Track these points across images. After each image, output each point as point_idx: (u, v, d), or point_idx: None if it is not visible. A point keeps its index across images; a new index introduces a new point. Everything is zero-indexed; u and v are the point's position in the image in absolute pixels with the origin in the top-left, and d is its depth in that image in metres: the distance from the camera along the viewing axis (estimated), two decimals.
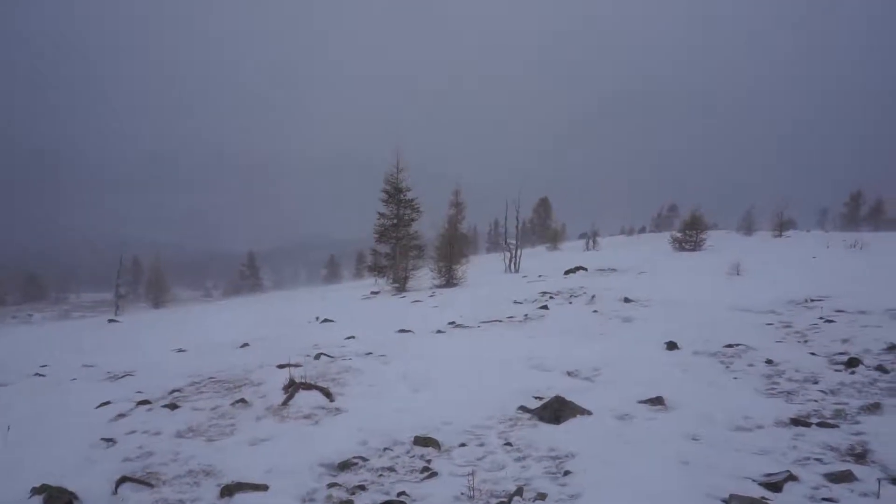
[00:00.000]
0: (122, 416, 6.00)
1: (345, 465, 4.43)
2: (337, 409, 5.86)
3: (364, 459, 4.55)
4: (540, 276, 20.20)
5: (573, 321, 10.23)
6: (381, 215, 23.37)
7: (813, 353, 7.12)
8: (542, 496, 3.71)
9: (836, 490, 3.62)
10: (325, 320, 13.19)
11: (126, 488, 4.10)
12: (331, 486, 4.09)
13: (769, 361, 6.86)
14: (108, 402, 6.44)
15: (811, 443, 4.44)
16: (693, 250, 27.47)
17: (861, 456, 4.14)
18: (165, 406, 6.15)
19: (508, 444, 4.72)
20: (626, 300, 11.93)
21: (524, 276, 20.96)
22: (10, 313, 52.30)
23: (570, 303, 12.56)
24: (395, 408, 5.81)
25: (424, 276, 22.00)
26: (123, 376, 8.04)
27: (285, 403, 6.00)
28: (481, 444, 4.75)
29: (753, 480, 3.77)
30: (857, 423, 4.82)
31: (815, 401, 5.50)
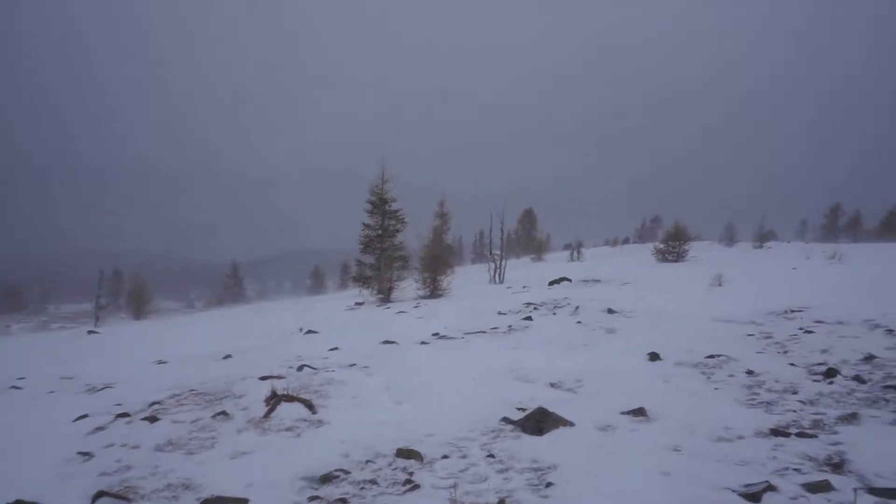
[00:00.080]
0: (100, 429, 5.90)
1: (326, 479, 4.40)
2: (319, 422, 5.83)
3: (346, 472, 4.52)
4: (524, 286, 20.27)
5: (557, 332, 10.25)
6: (366, 226, 23.31)
7: (792, 364, 7.20)
8: None
9: (814, 500, 3.66)
10: (309, 331, 13.10)
11: (103, 503, 4.04)
12: (312, 499, 4.06)
13: (750, 372, 6.94)
14: (85, 415, 6.34)
15: (790, 453, 4.49)
16: (676, 261, 27.73)
17: (838, 466, 4.19)
18: (145, 419, 6.07)
19: (491, 455, 4.72)
20: (610, 311, 11.99)
21: (509, 287, 21.01)
22: None
23: (554, 314, 12.59)
24: (377, 420, 5.78)
25: (409, 286, 21.96)
26: (102, 388, 7.92)
27: (267, 416, 5.95)
28: (464, 456, 4.74)
29: (733, 491, 3.80)
30: (835, 433, 4.88)
31: (795, 411, 5.57)
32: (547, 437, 5.07)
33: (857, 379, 6.31)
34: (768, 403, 5.85)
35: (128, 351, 13.07)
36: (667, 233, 30.73)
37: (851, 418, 5.18)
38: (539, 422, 5.28)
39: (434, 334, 10.94)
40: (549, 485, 4.06)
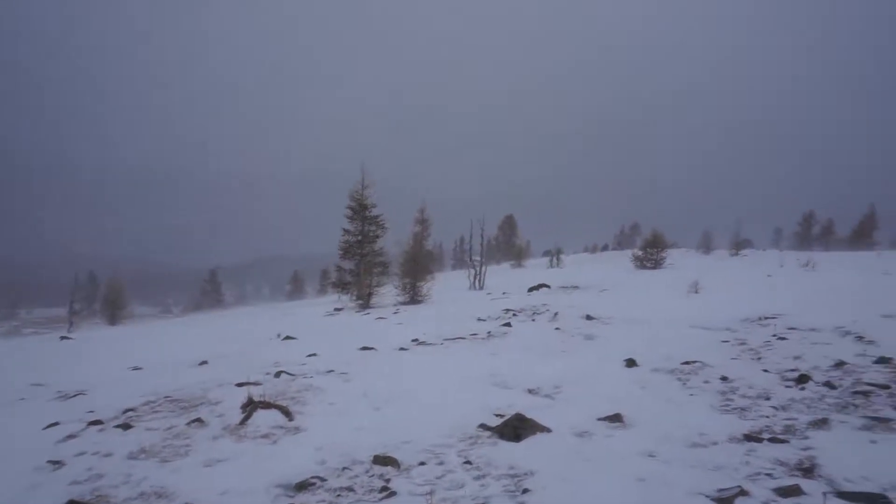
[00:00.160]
0: (71, 437, 5.79)
1: (302, 486, 4.37)
2: (296, 428, 5.78)
3: (322, 479, 4.49)
4: (504, 293, 20.34)
5: (536, 338, 10.30)
6: (346, 232, 23.26)
7: (766, 370, 7.32)
8: None
9: None
10: (287, 337, 13.01)
11: None
12: None
13: (724, 378, 7.03)
14: (56, 423, 6.21)
15: (762, 458, 4.56)
16: (654, 268, 28.04)
17: (809, 470, 4.26)
18: (118, 426, 5.96)
19: (468, 462, 4.72)
20: (588, 318, 12.08)
21: (488, 294, 21.07)
22: None
23: (533, 320, 12.65)
24: (355, 426, 5.76)
25: (389, 292, 21.93)
26: (75, 395, 7.78)
27: (243, 423, 5.89)
28: (441, 463, 4.74)
29: (707, 496, 3.85)
30: (806, 437, 4.97)
31: (767, 417, 5.65)
32: (524, 443, 5.09)
33: (828, 385, 6.44)
34: (742, 409, 5.93)
35: (102, 357, 12.84)
36: (645, 240, 31.08)
37: (822, 423, 5.28)
38: (516, 428, 5.29)
39: (413, 340, 10.93)
40: (525, 491, 4.08)
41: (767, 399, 6.20)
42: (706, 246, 43.16)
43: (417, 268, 21.60)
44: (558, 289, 19.86)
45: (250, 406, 6.17)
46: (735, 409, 5.97)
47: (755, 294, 14.64)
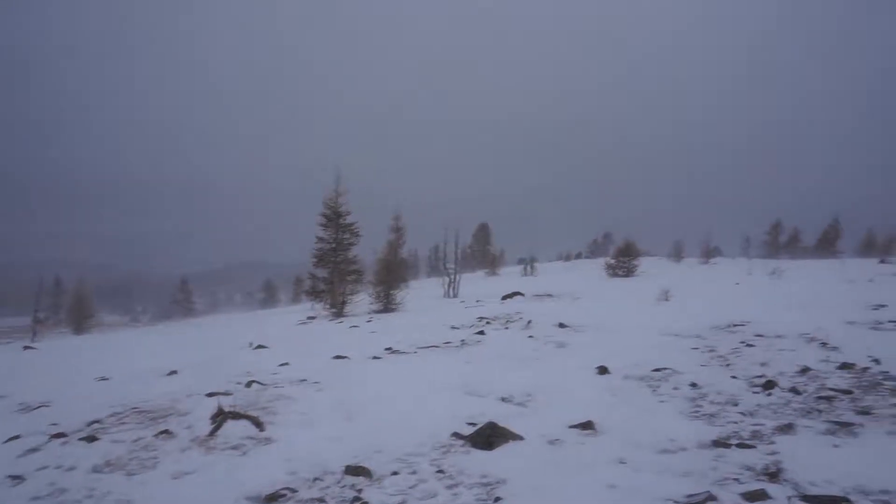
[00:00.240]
0: (33, 450, 5.63)
1: (272, 498, 4.31)
2: (267, 439, 5.70)
3: (293, 491, 4.44)
4: (478, 301, 20.39)
5: (509, 346, 10.34)
6: (320, 239, 23.07)
7: (734, 377, 7.45)
8: None
9: None
10: (259, 346, 12.83)
11: None
12: None
13: (693, 385, 7.13)
14: (17, 436, 6.03)
15: (730, 463, 4.63)
16: (626, 276, 28.42)
17: (774, 475, 4.34)
18: (83, 439, 5.82)
19: (441, 471, 4.71)
20: (561, 325, 12.17)
21: (462, 302, 21.10)
22: None
23: (507, 328, 12.70)
24: (327, 436, 5.70)
25: (363, 301, 21.80)
26: (37, 407, 7.56)
27: (212, 434, 5.79)
28: (413, 472, 4.71)
29: (676, 502, 3.89)
30: (773, 443, 5.06)
31: (735, 422, 5.75)
32: (497, 451, 5.09)
33: (794, 390, 6.58)
34: (711, 415, 6.03)
35: (66, 367, 12.52)
36: (617, 248, 31.50)
37: (787, 428, 5.39)
38: (489, 436, 5.30)
39: (387, 349, 10.88)
40: (497, 500, 4.08)
41: (735, 405, 6.31)
42: (677, 254, 43.86)
43: (392, 276, 21.54)
44: (532, 297, 20.00)
45: (220, 417, 6.07)
46: (704, 415, 6.06)
47: (724, 302, 14.93)
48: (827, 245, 56.33)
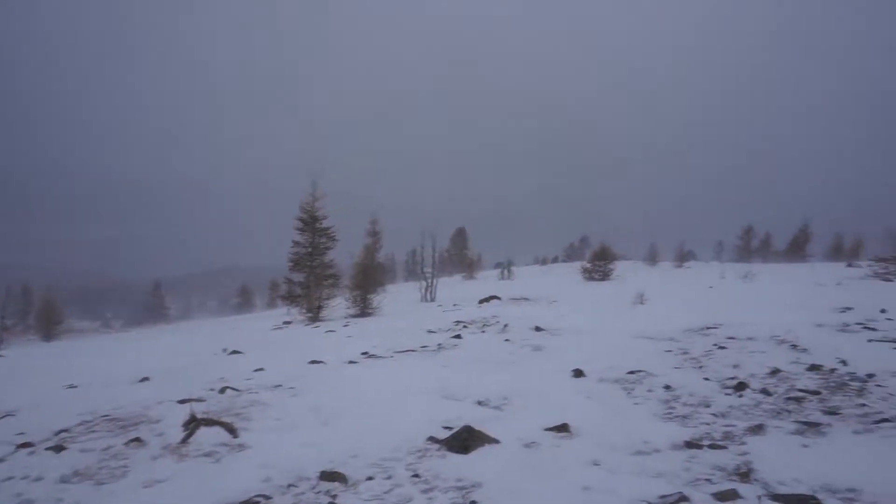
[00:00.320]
0: None
1: None
2: (241, 446, 5.63)
3: (267, 497, 4.39)
4: (455, 305, 20.41)
5: (485, 350, 10.36)
6: (296, 244, 22.92)
7: (706, 379, 7.55)
8: None
9: None
10: (234, 352, 12.70)
11: None
12: None
13: (667, 387, 7.22)
14: None
15: (702, 464, 4.69)
16: (602, 280, 28.67)
17: (745, 475, 4.41)
18: (50, 448, 5.69)
19: (416, 475, 4.69)
20: (538, 329, 12.23)
21: (439, 306, 21.11)
22: None
23: (483, 332, 12.73)
24: (302, 442, 5.64)
25: (339, 305, 21.69)
26: (3, 417, 7.38)
27: (185, 441, 5.71)
28: (389, 477, 4.69)
29: (649, 503, 3.93)
30: (744, 443, 5.14)
31: (708, 424, 5.83)
32: (472, 455, 5.10)
33: (764, 392, 6.70)
34: (684, 417, 6.10)
35: (34, 375, 12.24)
36: (593, 252, 31.78)
37: (758, 429, 5.48)
38: (465, 440, 5.30)
39: (363, 353, 10.83)
40: (472, 503, 4.08)
41: (708, 406, 6.40)
42: (652, 258, 44.43)
43: (368, 280, 21.46)
44: (509, 300, 20.06)
45: (193, 423, 5.98)
46: (677, 416, 6.14)
47: (697, 305, 15.14)
48: (797, 249, 57.49)
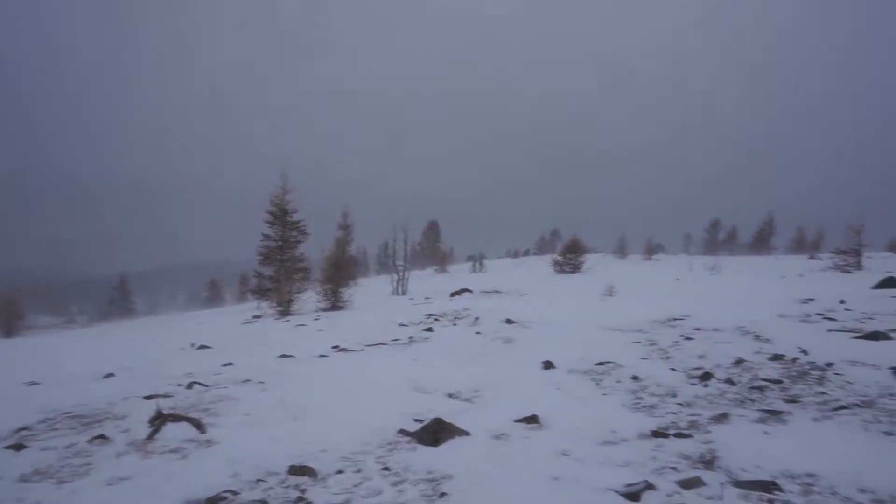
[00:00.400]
0: None
1: (213, 501, 4.19)
2: (208, 441, 5.56)
3: (234, 493, 4.34)
4: (427, 298, 20.40)
5: (457, 343, 10.38)
6: (266, 237, 22.69)
7: (673, 369, 7.69)
8: None
9: (687, 496, 3.91)
10: (202, 346, 12.52)
11: None
12: None
13: (635, 378, 7.33)
14: None
15: (668, 453, 4.79)
16: (572, 273, 28.93)
17: (710, 463, 4.51)
18: (9, 447, 5.52)
19: (386, 468, 4.69)
20: (509, 321, 12.30)
21: (411, 299, 21.08)
22: None
23: (455, 325, 12.76)
24: (271, 437, 5.59)
25: (310, 299, 21.52)
26: None
27: (151, 437, 5.61)
28: (358, 471, 4.68)
29: (616, 492, 3.99)
30: (708, 432, 5.26)
31: (674, 413, 5.94)
32: (443, 447, 5.11)
33: (729, 381, 6.84)
34: (651, 407, 6.21)
35: None
36: (564, 245, 32.03)
37: (722, 418, 5.60)
38: (435, 432, 5.31)
39: (334, 347, 10.77)
40: (442, 495, 4.09)
41: (674, 396, 6.52)
42: (622, 251, 44.97)
43: (340, 273, 21.32)
44: (480, 293, 20.12)
45: (159, 419, 5.88)
46: (645, 406, 6.24)
47: (665, 296, 15.40)
48: (762, 242, 58.83)
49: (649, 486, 3.99)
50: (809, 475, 4.21)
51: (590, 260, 31.60)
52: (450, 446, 5.12)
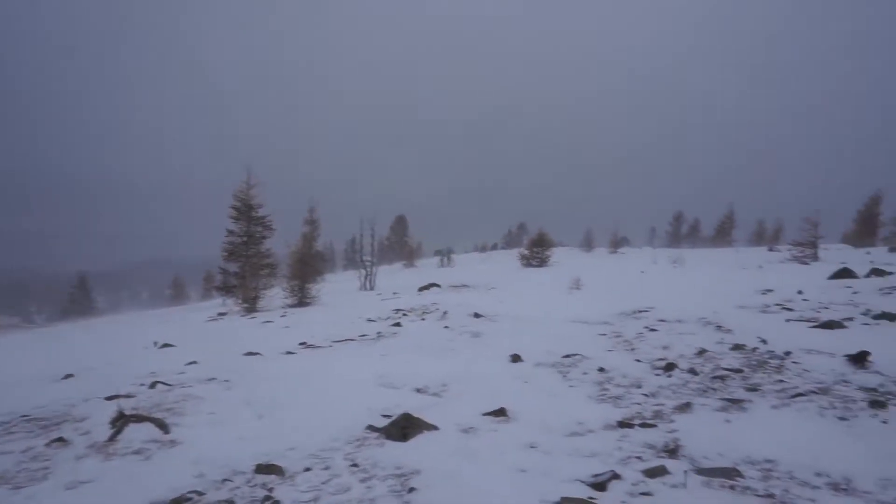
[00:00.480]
0: None
1: (177, 502, 4.12)
2: (172, 442, 5.45)
3: (200, 494, 4.26)
4: (395, 293, 20.33)
5: (425, 338, 10.38)
6: (231, 233, 22.31)
7: (638, 360, 7.83)
8: None
9: (653, 484, 3.99)
10: (165, 345, 12.26)
11: None
12: None
13: (601, 369, 7.43)
14: None
15: (634, 442, 4.87)
16: (539, 266, 29.14)
17: (673, 451, 4.60)
18: None
19: (355, 465, 4.66)
20: (477, 316, 12.34)
21: (379, 294, 20.98)
22: None
23: (423, 319, 12.74)
24: (237, 436, 5.52)
25: (276, 295, 21.25)
26: None
27: (112, 439, 5.47)
28: (327, 468, 4.65)
29: (583, 482, 4.05)
30: (672, 421, 5.37)
31: (639, 404, 6.05)
32: (411, 442, 5.11)
33: (692, 371, 6.99)
34: (616, 398, 6.30)
35: None
36: (531, 239, 32.25)
37: (686, 407, 5.72)
38: (403, 428, 5.30)
39: (301, 344, 10.66)
40: (411, 490, 4.09)
41: (639, 387, 6.64)
42: (588, 244, 45.48)
43: (306, 269, 21.09)
44: (448, 288, 20.14)
45: (121, 420, 5.74)
46: (610, 397, 6.34)
47: (630, 289, 15.63)
48: (723, 235, 60.16)
49: (615, 476, 4.06)
50: (769, 461, 4.33)
51: (556, 253, 31.87)
52: (418, 441, 5.12)
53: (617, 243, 42.63)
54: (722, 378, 6.61)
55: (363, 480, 4.35)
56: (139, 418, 5.78)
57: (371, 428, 5.53)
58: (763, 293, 13.14)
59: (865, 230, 41.53)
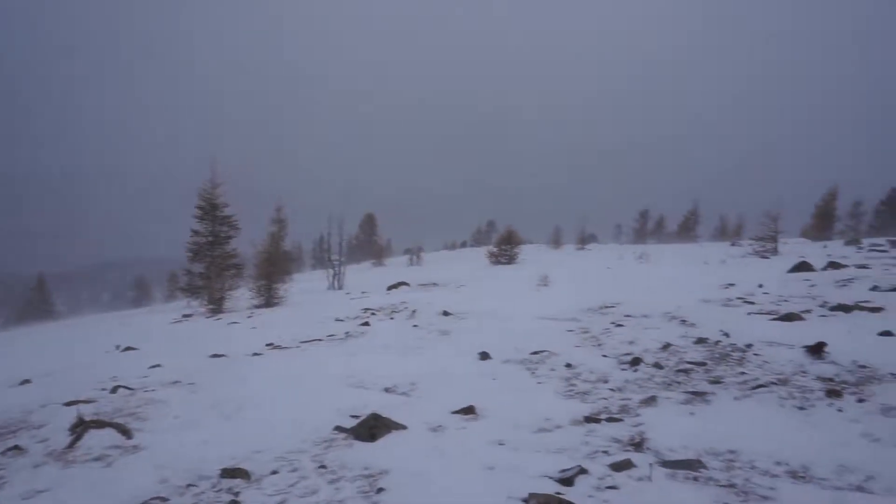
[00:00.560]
0: None
1: None
2: (135, 447, 5.33)
3: (164, 500, 4.18)
4: (363, 292, 20.24)
5: (393, 337, 10.34)
6: (196, 233, 21.86)
7: (605, 356, 7.92)
8: None
9: (619, 478, 4.04)
10: (128, 348, 11.96)
11: None
12: None
13: (568, 365, 7.51)
14: None
15: (600, 437, 4.94)
16: (508, 264, 29.31)
17: (639, 445, 4.68)
18: None
19: (322, 466, 4.62)
20: (445, 313, 12.35)
21: (347, 293, 20.86)
22: None
23: (392, 318, 12.71)
24: (202, 440, 5.42)
25: (243, 296, 20.94)
26: None
27: (72, 446, 5.33)
28: (294, 470, 4.60)
29: (550, 478, 4.08)
30: (638, 415, 5.46)
31: (605, 398, 6.13)
32: (380, 442, 5.08)
33: (657, 366, 7.11)
34: (584, 393, 6.38)
35: None
36: (500, 237, 32.42)
37: (651, 401, 5.82)
38: (372, 428, 5.27)
39: (268, 345, 10.53)
40: (380, 490, 4.07)
41: (606, 382, 6.73)
42: (556, 241, 45.89)
43: (274, 269, 20.82)
44: (417, 286, 20.13)
45: (80, 426, 5.59)
46: (578, 393, 6.41)
47: (597, 285, 15.81)
48: (687, 230, 61.33)
49: (582, 471, 4.10)
50: (731, 451, 4.44)
51: (525, 251, 32.10)
52: (386, 441, 5.10)
53: (584, 240, 43.17)
54: (686, 371, 6.74)
55: (331, 482, 4.31)
56: (100, 424, 5.64)
57: (339, 429, 5.49)
58: (725, 287, 13.43)
59: (823, 224, 42.75)
